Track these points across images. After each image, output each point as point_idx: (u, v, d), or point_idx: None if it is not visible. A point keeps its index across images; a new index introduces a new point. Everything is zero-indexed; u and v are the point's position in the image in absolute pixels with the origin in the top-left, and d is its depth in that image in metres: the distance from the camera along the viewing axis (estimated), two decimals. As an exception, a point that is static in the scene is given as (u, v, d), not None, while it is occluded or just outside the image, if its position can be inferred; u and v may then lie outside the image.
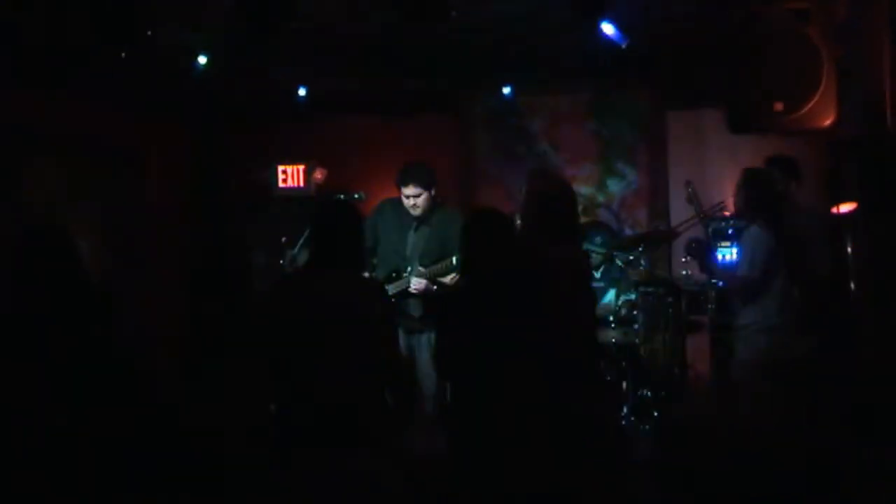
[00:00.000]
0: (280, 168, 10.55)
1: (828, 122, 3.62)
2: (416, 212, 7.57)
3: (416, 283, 7.43)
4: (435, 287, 7.41)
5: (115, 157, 10.11)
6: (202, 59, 7.99)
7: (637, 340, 8.44)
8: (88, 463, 3.86)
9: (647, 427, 7.98)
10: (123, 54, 6.68)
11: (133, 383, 4.02)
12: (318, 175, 10.59)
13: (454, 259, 7.24)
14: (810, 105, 3.62)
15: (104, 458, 3.80)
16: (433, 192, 7.59)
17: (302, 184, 10.55)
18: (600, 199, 10.49)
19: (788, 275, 7.16)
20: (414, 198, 7.54)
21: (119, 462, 3.72)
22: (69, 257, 4.51)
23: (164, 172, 10.75)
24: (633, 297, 8.66)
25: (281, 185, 10.59)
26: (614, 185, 10.52)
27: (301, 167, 10.54)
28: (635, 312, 8.60)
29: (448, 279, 7.39)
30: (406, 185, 7.55)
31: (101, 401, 3.96)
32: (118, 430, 3.81)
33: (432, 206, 7.64)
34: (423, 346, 7.48)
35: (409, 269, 7.51)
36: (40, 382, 4.04)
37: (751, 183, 7.35)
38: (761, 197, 7.28)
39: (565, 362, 5.13)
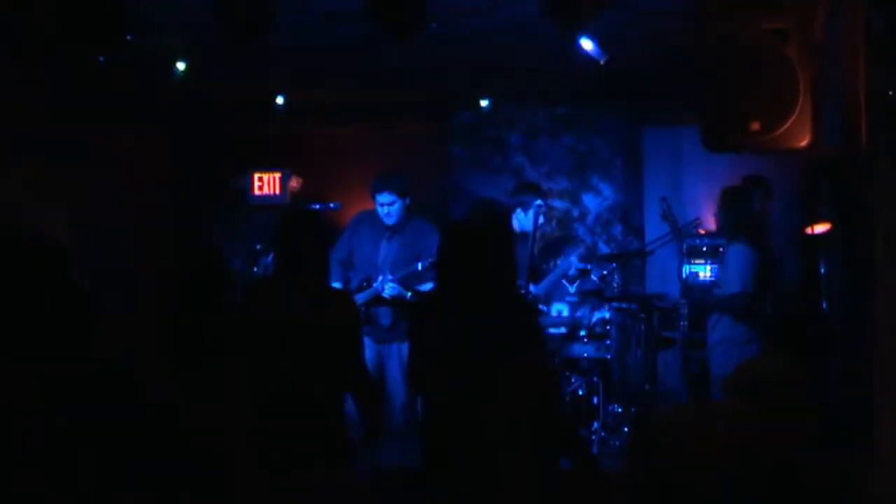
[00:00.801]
0: (256, 175, 10.53)
1: (804, 143, 3.63)
2: (391, 220, 7.59)
3: (391, 289, 7.45)
4: (409, 294, 7.42)
5: (92, 161, 10.05)
6: (180, 66, 7.97)
7: (609, 356, 8.46)
8: (79, 468, 3.84)
9: (618, 442, 8.00)
10: (102, 59, 6.66)
11: (114, 385, 4.00)
12: (294, 183, 10.57)
13: (419, 265, 7.29)
14: (787, 125, 3.62)
15: (93, 463, 3.78)
16: (407, 201, 7.61)
17: (277, 191, 10.53)
18: (575, 213, 10.50)
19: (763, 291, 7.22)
20: (388, 206, 7.56)
21: (106, 468, 3.70)
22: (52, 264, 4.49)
23: (141, 177, 10.70)
24: (606, 314, 8.68)
25: (257, 192, 10.56)
26: (590, 200, 10.54)
27: (277, 175, 10.51)
28: (608, 328, 8.62)
29: (421, 286, 7.42)
30: (380, 192, 7.57)
31: (85, 404, 3.94)
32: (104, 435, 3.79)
33: (406, 216, 7.66)
34: (394, 356, 7.49)
35: (380, 277, 7.52)
36: (26, 387, 4.01)
37: (734, 201, 7.40)
38: (744, 215, 7.33)
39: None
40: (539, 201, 7.95)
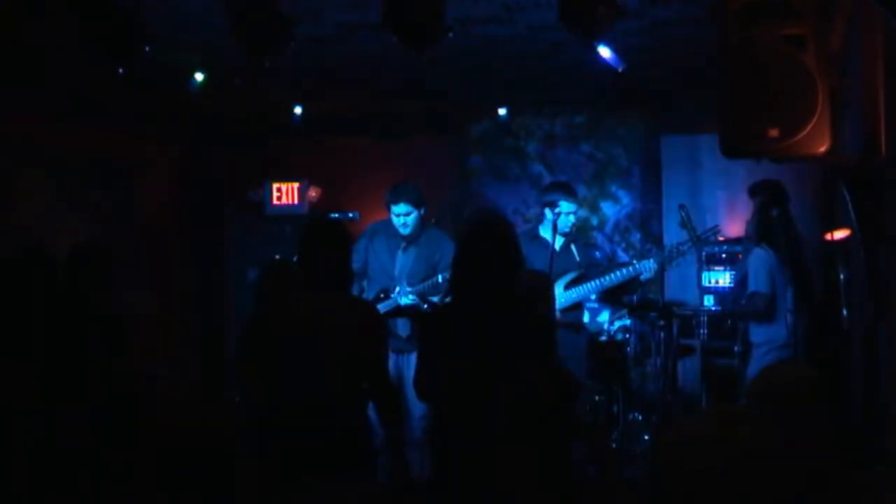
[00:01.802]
0: (274, 186, 10.56)
1: (822, 149, 3.62)
2: (406, 230, 7.60)
3: (409, 299, 7.45)
4: (425, 305, 7.43)
5: (110, 173, 10.09)
6: (199, 77, 8.00)
7: (629, 364, 8.45)
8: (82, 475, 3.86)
9: (638, 450, 7.99)
10: (121, 70, 6.69)
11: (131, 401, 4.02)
12: (313, 193, 10.60)
13: (440, 277, 7.27)
14: (805, 131, 3.61)
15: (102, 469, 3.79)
16: (422, 212, 7.62)
17: (296, 202, 10.55)
18: (594, 221, 10.50)
19: (793, 297, 7.21)
20: (404, 216, 7.57)
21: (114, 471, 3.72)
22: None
23: (159, 189, 10.75)
24: (626, 321, 8.67)
25: (275, 202, 10.59)
26: (608, 208, 10.53)
27: (295, 185, 10.54)
28: (627, 336, 8.62)
29: (438, 298, 7.41)
30: (396, 203, 7.58)
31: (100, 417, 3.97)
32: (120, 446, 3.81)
33: (421, 227, 7.67)
34: (412, 366, 7.48)
35: (397, 288, 7.53)
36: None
37: (763, 208, 7.44)
38: (769, 221, 7.35)
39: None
40: (564, 202, 7.87)
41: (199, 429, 3.05)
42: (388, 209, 7.67)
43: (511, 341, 4.90)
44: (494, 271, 5.01)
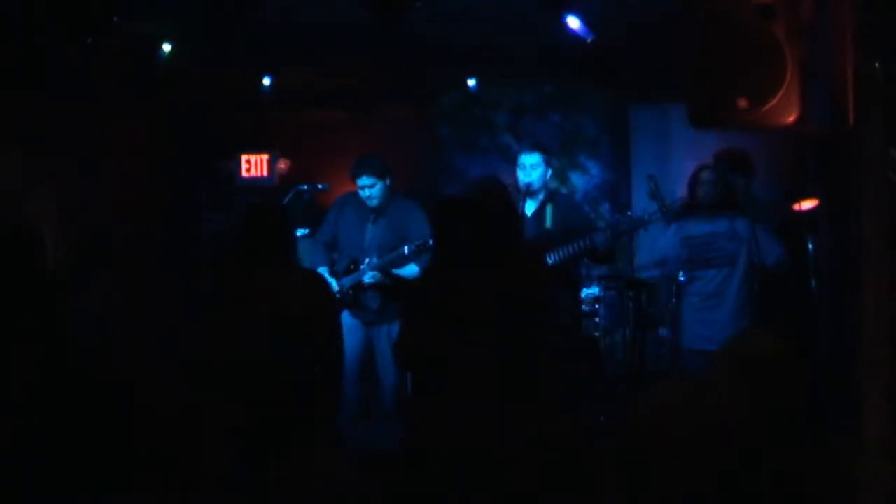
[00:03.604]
0: (244, 157, 10.51)
1: (791, 119, 3.62)
2: (373, 202, 7.58)
3: (371, 277, 7.44)
4: (388, 280, 7.41)
5: (77, 145, 10.01)
6: (166, 48, 7.94)
7: (598, 334, 8.46)
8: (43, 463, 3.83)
9: (603, 419, 8.02)
10: (89, 41, 6.64)
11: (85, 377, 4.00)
12: (282, 165, 10.56)
13: (406, 249, 7.26)
14: (774, 101, 3.61)
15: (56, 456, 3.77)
16: (388, 182, 7.59)
17: (265, 173, 10.51)
18: (563, 192, 10.50)
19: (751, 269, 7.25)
20: (368, 188, 7.55)
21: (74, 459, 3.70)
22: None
23: (128, 161, 10.67)
24: (595, 290, 8.67)
25: (244, 174, 10.54)
26: (577, 179, 10.53)
27: (265, 157, 10.50)
28: (597, 307, 8.63)
29: (405, 271, 7.40)
30: (359, 175, 7.57)
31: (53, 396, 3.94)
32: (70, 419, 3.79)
33: (389, 197, 7.64)
34: (383, 339, 7.48)
35: (366, 260, 7.52)
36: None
37: (713, 177, 7.44)
38: (721, 191, 7.37)
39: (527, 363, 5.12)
40: (523, 154, 7.67)
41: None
42: (354, 183, 7.65)
43: (493, 311, 4.92)
44: (479, 242, 5.03)
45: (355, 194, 7.77)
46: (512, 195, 7.74)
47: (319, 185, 8.39)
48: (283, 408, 4.90)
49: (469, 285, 5.00)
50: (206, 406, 4.30)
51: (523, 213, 7.48)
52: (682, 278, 7.56)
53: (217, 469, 3.41)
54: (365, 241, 7.67)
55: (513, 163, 7.90)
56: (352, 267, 7.57)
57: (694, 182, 7.63)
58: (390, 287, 7.38)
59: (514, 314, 5.05)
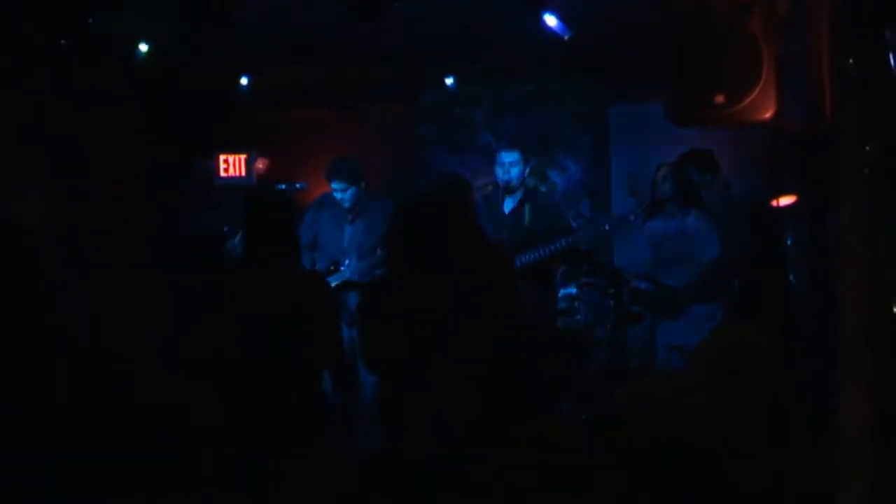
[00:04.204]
0: (221, 157, 10.47)
1: (768, 115, 3.63)
2: (347, 205, 7.60)
3: (353, 274, 7.45)
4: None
5: (56, 145, 9.97)
6: (143, 47, 7.91)
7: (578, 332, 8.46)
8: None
9: (585, 417, 8.02)
10: (63, 41, 6.61)
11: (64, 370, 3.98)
12: (260, 165, 10.53)
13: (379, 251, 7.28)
14: (751, 98, 3.62)
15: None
16: (362, 186, 7.61)
17: (243, 173, 10.48)
18: (543, 190, 10.50)
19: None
20: (341, 192, 7.58)
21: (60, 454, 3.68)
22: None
23: (106, 160, 10.63)
24: (573, 290, 8.68)
25: (222, 174, 10.51)
26: (556, 177, 10.53)
27: (242, 157, 10.46)
28: (577, 303, 8.63)
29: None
30: (331, 180, 7.59)
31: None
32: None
33: (367, 199, 7.66)
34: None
35: (346, 261, 7.51)
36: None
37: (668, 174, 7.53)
38: (677, 188, 7.46)
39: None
40: (502, 151, 7.78)
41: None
42: (328, 184, 7.69)
43: (453, 310, 4.91)
44: (435, 239, 5.02)
45: (333, 194, 7.78)
46: (488, 192, 7.81)
47: (298, 185, 8.38)
48: (280, 407, 4.88)
49: (425, 286, 5.01)
50: (200, 405, 4.29)
51: (502, 211, 7.52)
52: (642, 285, 7.64)
53: (215, 468, 3.41)
54: (344, 241, 7.68)
55: (492, 161, 7.94)
56: (332, 268, 7.56)
57: (653, 181, 7.72)
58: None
59: (472, 313, 5.05)
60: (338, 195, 7.61)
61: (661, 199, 7.61)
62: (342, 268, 7.50)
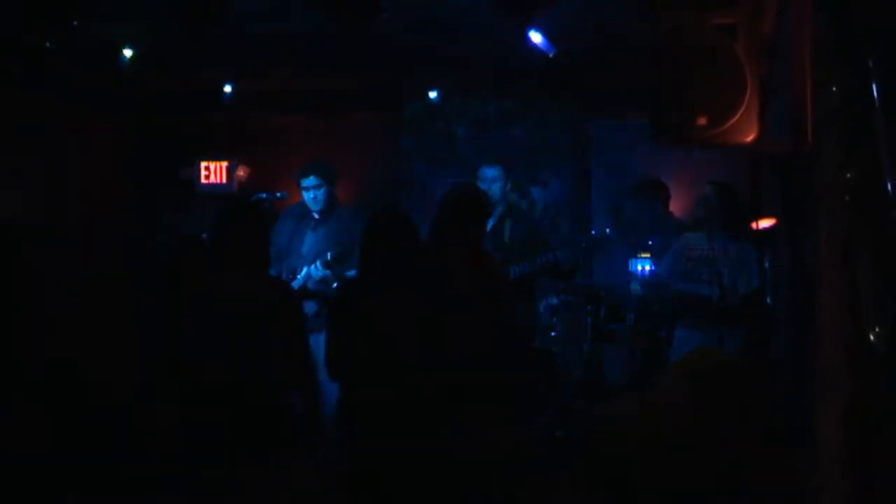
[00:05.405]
0: (203, 164, 10.47)
1: (750, 138, 3.66)
2: (317, 206, 7.63)
3: (317, 274, 7.44)
4: (334, 284, 7.40)
5: (36, 148, 9.93)
6: (127, 53, 7.90)
7: (556, 348, 8.46)
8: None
9: (560, 434, 8.01)
10: (48, 44, 6.59)
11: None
12: (241, 172, 10.53)
13: (328, 255, 7.28)
14: (733, 120, 3.65)
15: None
16: (333, 189, 7.64)
17: (224, 180, 10.48)
18: (524, 206, 10.50)
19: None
20: (313, 189, 7.61)
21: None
22: None
23: (89, 166, 10.58)
24: (554, 300, 8.68)
25: (203, 181, 10.50)
26: (537, 193, 10.54)
27: (224, 164, 10.46)
28: (554, 320, 8.63)
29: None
30: (305, 176, 7.63)
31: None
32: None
33: (332, 206, 7.68)
34: (321, 346, 7.47)
35: (304, 269, 7.53)
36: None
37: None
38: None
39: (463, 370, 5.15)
40: (484, 168, 7.85)
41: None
42: (299, 186, 7.70)
43: (419, 321, 4.94)
44: (399, 249, 5.08)
45: (301, 204, 7.82)
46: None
47: (278, 194, 8.39)
48: (250, 414, 4.87)
49: (393, 296, 5.04)
50: (171, 407, 4.28)
51: None
52: (681, 286, 7.79)
53: (184, 472, 3.40)
54: (304, 248, 7.71)
55: (474, 175, 7.95)
56: (290, 276, 7.57)
57: (702, 197, 7.83)
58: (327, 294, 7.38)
59: (459, 321, 5.08)
60: (309, 194, 7.65)
61: (706, 216, 7.60)
62: (299, 276, 7.50)
